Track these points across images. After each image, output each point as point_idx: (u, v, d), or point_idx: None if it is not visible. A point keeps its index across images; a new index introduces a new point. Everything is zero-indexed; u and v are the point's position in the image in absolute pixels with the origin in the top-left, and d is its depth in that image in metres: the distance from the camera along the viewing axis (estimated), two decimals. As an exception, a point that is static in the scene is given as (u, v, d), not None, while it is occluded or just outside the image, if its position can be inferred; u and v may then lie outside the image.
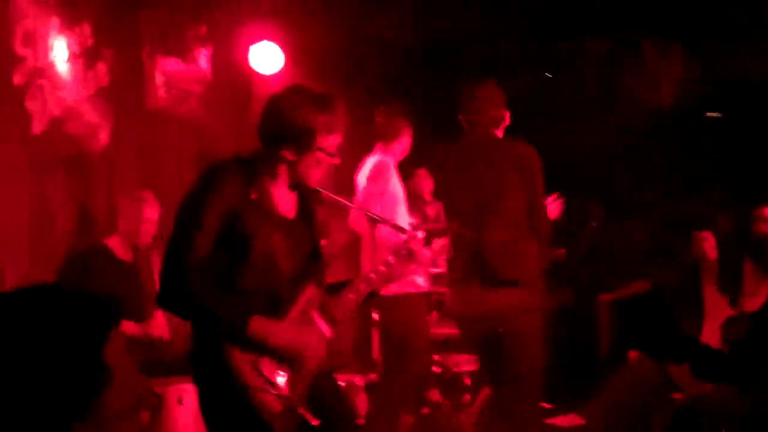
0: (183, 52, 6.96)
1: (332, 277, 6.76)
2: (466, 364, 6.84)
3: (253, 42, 7.14)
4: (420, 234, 3.81)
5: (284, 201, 3.48)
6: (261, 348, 3.20)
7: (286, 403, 3.21)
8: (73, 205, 5.80)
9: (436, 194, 5.59)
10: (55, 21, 5.65)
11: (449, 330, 6.37)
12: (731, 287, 6.23)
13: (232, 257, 3.26)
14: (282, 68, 7.20)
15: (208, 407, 3.33)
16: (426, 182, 7.31)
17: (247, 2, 7.16)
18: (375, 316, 5.19)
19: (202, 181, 3.29)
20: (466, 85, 5.12)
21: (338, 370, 4.75)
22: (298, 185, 3.50)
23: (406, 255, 3.71)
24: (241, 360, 3.18)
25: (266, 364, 3.20)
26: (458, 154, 5.05)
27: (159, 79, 6.69)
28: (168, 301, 3.23)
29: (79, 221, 5.79)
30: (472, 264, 4.81)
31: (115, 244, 5.39)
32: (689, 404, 5.35)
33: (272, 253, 3.34)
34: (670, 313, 6.57)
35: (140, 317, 5.23)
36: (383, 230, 5.26)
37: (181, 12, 6.94)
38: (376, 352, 5.12)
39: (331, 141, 3.47)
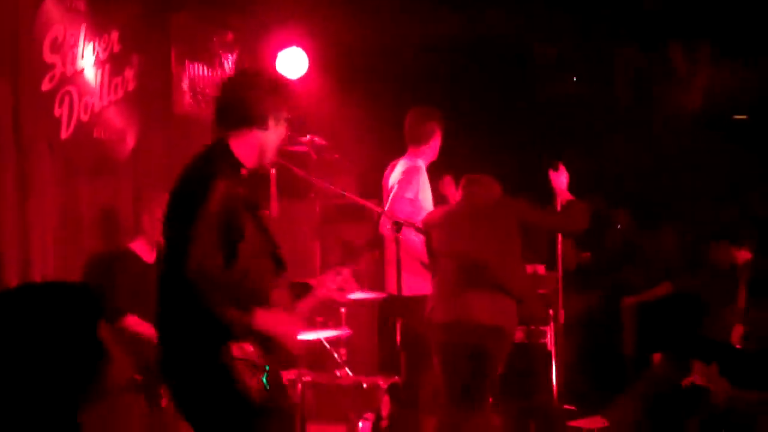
0: (210, 57, 7.04)
1: (360, 278, 6.84)
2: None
3: (277, 47, 7.21)
4: None
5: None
6: (267, 338, 3.28)
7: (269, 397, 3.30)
8: (100, 210, 5.88)
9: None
10: (83, 28, 5.74)
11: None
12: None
13: (227, 255, 3.30)
14: (306, 73, 7.26)
15: (203, 407, 3.35)
16: (450, 188, 7.33)
17: (272, 8, 7.23)
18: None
19: (198, 192, 3.31)
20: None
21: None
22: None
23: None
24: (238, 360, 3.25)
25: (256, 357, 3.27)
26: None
27: (186, 84, 6.77)
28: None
29: (106, 225, 5.87)
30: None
31: (139, 247, 5.46)
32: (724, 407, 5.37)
33: (255, 248, 3.41)
34: (698, 313, 6.56)
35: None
36: (408, 234, 5.31)
37: (208, 18, 7.02)
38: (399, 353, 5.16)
39: (283, 121, 3.60)
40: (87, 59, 5.76)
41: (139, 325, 5.18)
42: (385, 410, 5.18)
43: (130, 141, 6.16)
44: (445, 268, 5.26)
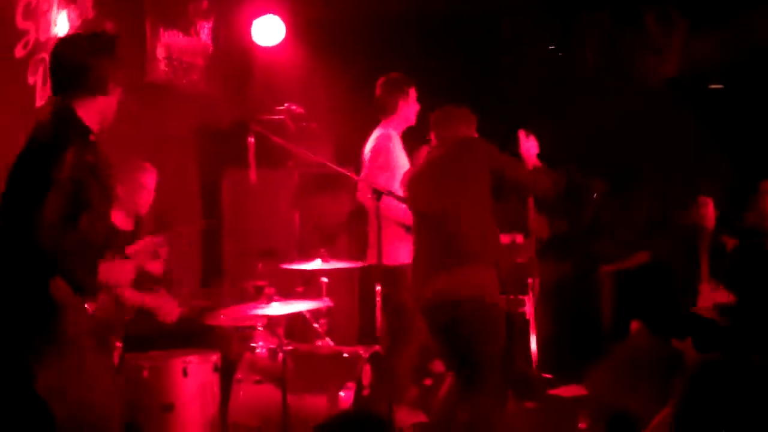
0: (185, 25, 6.95)
1: (339, 248, 6.82)
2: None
3: (253, 15, 7.14)
4: None
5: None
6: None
7: None
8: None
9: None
10: (56, -6, 5.63)
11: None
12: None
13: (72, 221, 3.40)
14: (283, 41, 7.19)
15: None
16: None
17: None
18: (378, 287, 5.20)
19: (49, 160, 3.38)
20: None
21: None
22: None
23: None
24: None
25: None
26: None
27: (161, 52, 6.68)
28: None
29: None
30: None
31: (114, 215, 5.39)
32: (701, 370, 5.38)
33: (98, 215, 3.55)
34: (670, 286, 6.59)
35: (141, 286, 5.24)
36: (388, 202, 5.27)
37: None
38: (379, 322, 5.12)
39: (118, 80, 3.66)
40: (61, 26, 5.65)
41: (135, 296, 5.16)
42: (367, 379, 5.17)
43: (105, 110, 6.06)
44: (419, 232, 5.13)
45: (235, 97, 7.04)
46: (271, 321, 5.22)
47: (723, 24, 8.20)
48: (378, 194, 4.78)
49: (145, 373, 4.85)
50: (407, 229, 5.62)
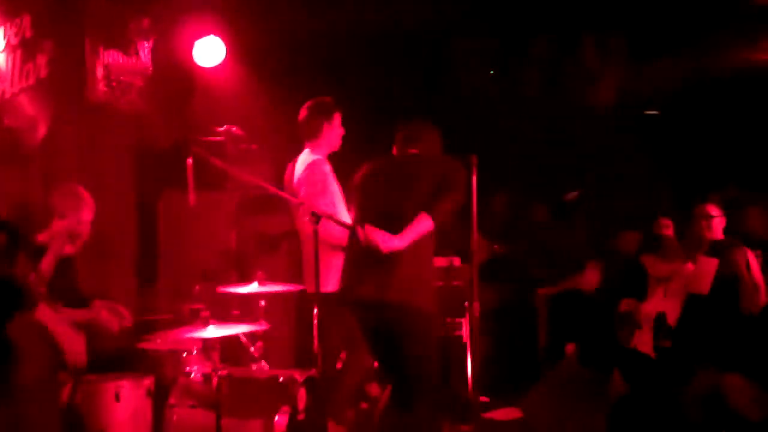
0: (125, 44, 6.91)
1: (277, 271, 6.80)
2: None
3: (194, 35, 7.12)
4: None
5: None
6: None
7: None
8: (10, 198, 5.73)
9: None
10: (-7, 12, 5.59)
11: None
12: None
13: None
14: (223, 62, 7.18)
15: None
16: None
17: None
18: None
19: None
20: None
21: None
22: None
23: None
24: None
25: None
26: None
27: (100, 71, 6.63)
28: None
29: (16, 214, 5.72)
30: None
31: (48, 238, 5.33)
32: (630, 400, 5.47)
33: None
34: (601, 315, 6.69)
35: (77, 305, 5.21)
36: (326, 226, 5.27)
37: (124, 4, 6.89)
38: (316, 347, 5.11)
39: None
40: (-2, 44, 5.61)
41: (48, 317, 5.07)
42: (302, 404, 5.16)
43: (42, 129, 6.00)
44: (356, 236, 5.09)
45: (174, 118, 7.00)
46: (207, 345, 5.19)
47: (661, 54, 8.38)
48: (317, 218, 4.78)
49: (77, 398, 4.80)
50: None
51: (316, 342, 5.02)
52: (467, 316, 6.63)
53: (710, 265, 6.50)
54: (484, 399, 6.68)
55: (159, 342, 5.26)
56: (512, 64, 9.16)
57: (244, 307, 5.97)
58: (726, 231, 7.01)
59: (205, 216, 6.67)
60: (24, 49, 5.83)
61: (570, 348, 6.87)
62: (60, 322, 4.77)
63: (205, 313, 5.07)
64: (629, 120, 9.46)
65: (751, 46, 8.27)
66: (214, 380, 4.88)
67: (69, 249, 5.26)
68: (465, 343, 6.58)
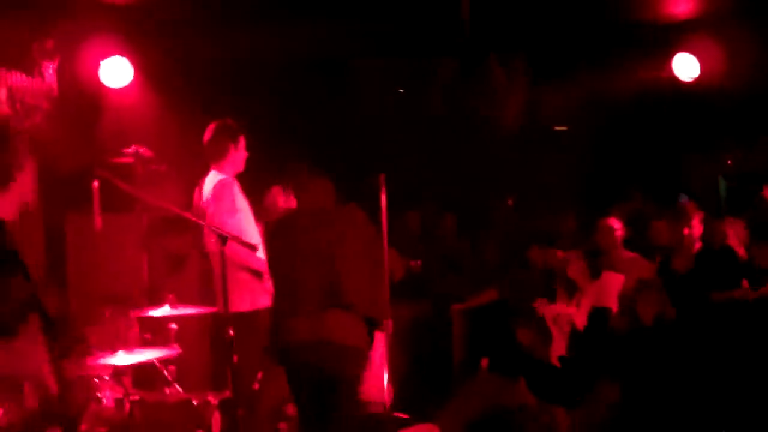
0: (29, 66, 6.78)
1: (190, 293, 6.72)
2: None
3: (100, 56, 7.03)
4: None
5: None
6: None
7: None
8: None
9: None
10: None
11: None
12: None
13: None
14: (131, 82, 7.10)
15: None
16: (280, 198, 7.31)
17: (94, 16, 7.03)
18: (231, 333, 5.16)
19: None
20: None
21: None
22: None
23: None
24: None
25: None
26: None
27: (3, 93, 6.49)
28: None
29: None
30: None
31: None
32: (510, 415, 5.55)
33: None
34: (508, 325, 6.79)
35: None
36: (233, 247, 5.24)
37: (27, 25, 6.75)
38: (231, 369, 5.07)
39: None
40: None
41: None
42: (217, 427, 5.11)
43: (-58, 152, 5.84)
44: (279, 279, 5.26)
45: (81, 140, 6.88)
46: (118, 370, 5.11)
47: (564, 75, 8.58)
48: (223, 239, 4.74)
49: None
50: (255, 273, 5.61)
51: (231, 365, 4.98)
52: (383, 332, 6.63)
53: (615, 280, 6.67)
54: (401, 415, 6.68)
55: (69, 368, 5.15)
56: (417, 85, 9.26)
57: (156, 331, 5.87)
58: (628, 242, 7.16)
59: (114, 239, 6.57)
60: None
61: (485, 362, 6.93)
62: None
63: (114, 339, 5.00)
64: (538, 136, 9.63)
65: (650, 64, 8.53)
66: (127, 405, 4.81)
67: None
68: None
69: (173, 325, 5.67)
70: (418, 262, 8.08)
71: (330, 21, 7.42)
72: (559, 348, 6.79)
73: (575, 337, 6.54)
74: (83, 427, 5.00)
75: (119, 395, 5.06)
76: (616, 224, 7.10)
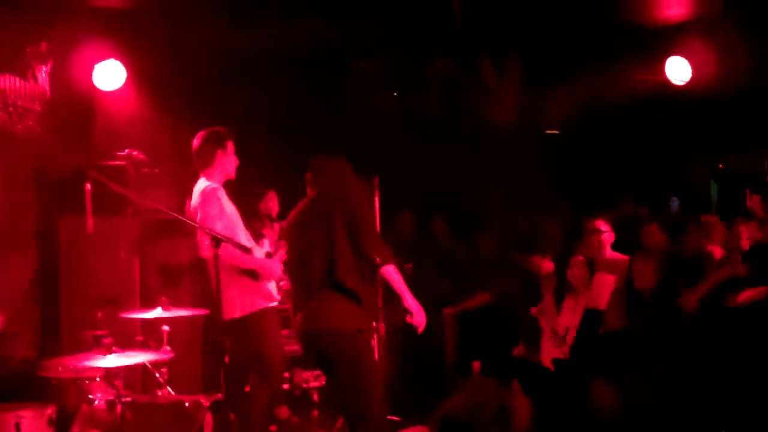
0: (22, 69, 6.78)
1: (183, 295, 6.74)
2: (314, 380, 6.89)
3: (94, 59, 7.04)
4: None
5: None
6: None
7: None
8: None
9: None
10: None
11: (296, 347, 6.41)
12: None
13: None
14: (124, 86, 7.12)
15: None
16: (273, 203, 7.33)
17: (88, 20, 7.04)
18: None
19: None
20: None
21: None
22: None
23: None
24: None
25: None
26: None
27: (-5, 96, 6.51)
28: None
29: None
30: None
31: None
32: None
33: None
34: (502, 327, 6.79)
35: None
36: (227, 250, 5.25)
37: (20, 29, 6.76)
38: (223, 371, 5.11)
39: None
40: None
41: None
42: (208, 428, 5.12)
43: (-65, 155, 5.87)
44: (292, 270, 5.55)
45: (74, 143, 6.88)
46: (110, 372, 5.12)
47: (556, 79, 8.60)
48: (217, 242, 4.75)
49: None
50: (250, 275, 5.63)
51: (224, 367, 5.02)
52: (375, 335, 6.65)
53: (607, 281, 6.68)
54: (393, 418, 6.70)
55: (61, 370, 5.16)
56: (413, 85, 9.27)
57: (148, 333, 5.89)
58: (615, 245, 7.16)
59: (107, 241, 6.58)
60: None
61: (477, 365, 6.95)
62: None
63: (107, 340, 5.01)
64: (531, 139, 9.65)
65: (642, 68, 8.56)
66: (118, 407, 4.82)
67: None
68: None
69: (165, 328, 5.68)
70: (410, 264, 8.10)
71: (329, 19, 7.45)
72: (551, 350, 6.81)
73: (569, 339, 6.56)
74: (75, 428, 5.02)
75: (111, 397, 5.06)
76: (603, 226, 7.08)
